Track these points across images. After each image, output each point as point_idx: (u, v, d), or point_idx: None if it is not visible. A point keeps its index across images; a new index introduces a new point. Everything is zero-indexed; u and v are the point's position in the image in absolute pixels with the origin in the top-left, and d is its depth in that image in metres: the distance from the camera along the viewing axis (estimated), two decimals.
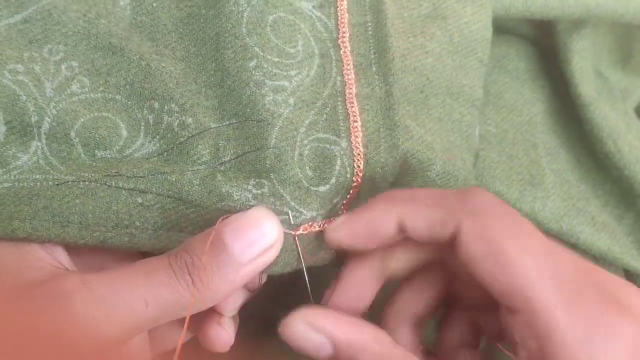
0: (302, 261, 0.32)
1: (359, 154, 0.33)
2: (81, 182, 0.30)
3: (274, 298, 0.39)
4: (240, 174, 0.31)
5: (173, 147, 0.32)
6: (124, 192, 0.30)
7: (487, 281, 0.28)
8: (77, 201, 0.30)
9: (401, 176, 0.35)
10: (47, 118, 0.30)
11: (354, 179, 0.33)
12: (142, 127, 0.32)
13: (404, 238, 0.30)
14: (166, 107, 0.32)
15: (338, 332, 0.29)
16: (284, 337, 0.29)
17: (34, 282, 0.27)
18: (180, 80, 0.32)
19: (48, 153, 0.30)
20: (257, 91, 0.32)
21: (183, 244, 0.29)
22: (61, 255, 0.30)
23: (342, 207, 0.33)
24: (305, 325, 0.29)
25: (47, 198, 0.29)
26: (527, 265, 0.27)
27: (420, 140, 0.34)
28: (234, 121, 0.32)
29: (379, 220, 0.30)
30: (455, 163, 0.36)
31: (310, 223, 0.32)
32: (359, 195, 0.33)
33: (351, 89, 0.34)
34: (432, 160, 0.34)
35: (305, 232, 0.32)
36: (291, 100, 0.33)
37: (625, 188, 0.43)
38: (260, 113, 0.32)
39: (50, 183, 0.30)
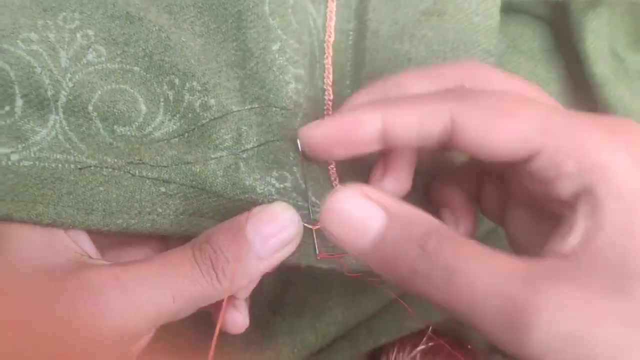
0: (316, 255, 0.32)
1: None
2: (104, 169, 0.30)
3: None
4: (263, 163, 0.31)
5: (194, 129, 0.31)
6: (147, 181, 0.30)
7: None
8: (101, 189, 0.30)
9: None
10: (63, 91, 0.30)
11: None
12: (162, 103, 0.31)
13: None
14: (187, 84, 0.31)
15: (394, 203, 0.26)
16: (330, 211, 0.26)
17: (61, 269, 0.27)
18: (202, 58, 0.32)
19: (67, 127, 0.30)
20: (281, 77, 0.32)
21: (205, 235, 0.29)
22: (85, 241, 0.30)
23: None
24: (360, 195, 0.25)
25: (71, 183, 0.29)
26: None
27: None
28: (257, 105, 0.32)
29: (360, 120, 0.28)
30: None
31: None
32: None
33: (329, 96, 0.34)
34: None
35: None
36: (307, 92, 0.33)
37: None
38: (283, 100, 0.32)
39: (72, 166, 0.30)
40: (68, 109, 0.30)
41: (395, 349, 0.43)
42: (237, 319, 0.33)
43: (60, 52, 0.30)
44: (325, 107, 0.34)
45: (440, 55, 0.37)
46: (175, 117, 0.31)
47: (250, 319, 0.41)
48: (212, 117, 0.31)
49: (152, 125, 0.31)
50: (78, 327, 0.26)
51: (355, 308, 0.39)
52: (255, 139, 0.31)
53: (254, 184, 0.31)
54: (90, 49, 0.31)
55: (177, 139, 0.31)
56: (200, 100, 0.31)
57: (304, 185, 0.31)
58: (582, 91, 0.44)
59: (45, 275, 0.27)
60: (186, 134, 0.31)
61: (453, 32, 0.37)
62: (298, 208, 0.31)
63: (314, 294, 0.40)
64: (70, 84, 0.30)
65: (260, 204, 0.30)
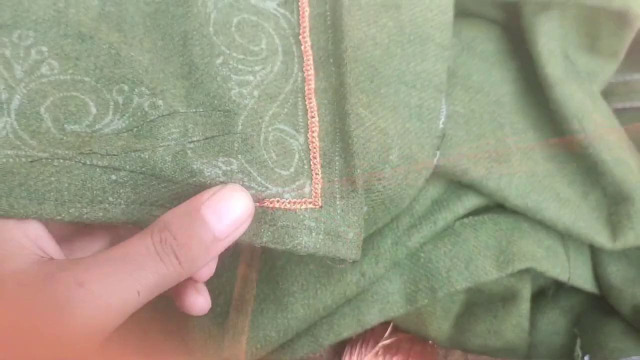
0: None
1: (314, 148, 0.35)
2: (55, 160, 0.31)
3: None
4: (210, 152, 0.32)
5: (143, 124, 0.32)
6: (98, 169, 0.31)
7: None
8: (53, 179, 0.30)
9: (364, 162, 0.36)
10: (17, 96, 0.31)
11: (312, 169, 0.34)
12: (112, 106, 0.33)
13: None
14: (136, 89, 0.32)
15: None
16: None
17: (20, 273, 0.28)
18: (149, 69, 0.33)
19: (17, 127, 0.31)
20: (224, 85, 0.34)
21: (163, 222, 0.30)
22: (44, 237, 0.31)
23: (312, 192, 0.34)
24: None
25: (22, 175, 0.30)
26: None
27: (374, 126, 0.36)
28: (201, 110, 0.33)
29: None
30: (412, 147, 0.37)
31: (277, 198, 0.33)
32: (328, 180, 0.35)
33: (310, 84, 0.36)
34: (389, 145, 0.36)
35: (271, 206, 0.33)
36: (255, 93, 0.34)
37: (590, 166, 0.44)
38: (226, 104, 0.33)
39: (24, 160, 0.30)
40: (20, 112, 0.31)
41: (359, 345, 0.44)
42: (199, 301, 0.33)
43: (15, 66, 0.31)
44: (306, 96, 0.35)
45: (399, 45, 0.38)
46: (124, 117, 0.33)
47: (213, 316, 0.42)
48: (160, 115, 0.32)
49: (102, 123, 0.32)
50: (48, 335, 0.26)
51: (316, 303, 0.40)
52: (201, 134, 0.33)
53: (201, 167, 0.32)
54: (44, 63, 0.32)
55: (126, 134, 0.32)
56: (149, 101, 0.32)
57: (249, 169, 0.33)
58: (536, 91, 0.46)
59: (13, 284, 0.28)
60: (135, 129, 0.32)
61: (410, 24, 0.39)
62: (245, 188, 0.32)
63: (275, 290, 0.40)
64: (24, 91, 0.31)
65: (208, 186, 0.31)
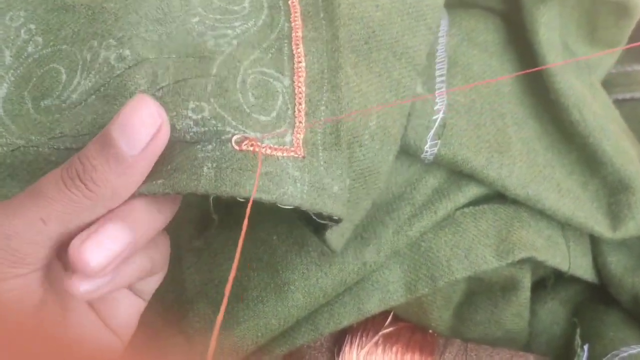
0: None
1: (300, 93, 0.33)
2: (31, 148, 0.31)
3: None
4: (179, 97, 0.31)
5: (110, 81, 0.32)
6: (72, 152, 0.31)
7: None
8: (34, 166, 0.31)
9: (345, 124, 0.35)
10: (5, 84, 0.31)
11: (296, 115, 0.33)
12: (80, 67, 0.32)
13: None
14: (104, 43, 0.32)
15: None
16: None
17: None
18: (120, 13, 0.32)
19: (3, 115, 0.31)
20: (199, 39, 0.33)
21: (75, 154, 0.29)
22: None
23: (294, 140, 0.32)
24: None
25: (8, 166, 0.31)
26: None
27: (357, 88, 0.35)
28: (174, 56, 0.32)
29: None
30: (387, 119, 0.37)
31: (256, 141, 0.31)
32: (311, 130, 0.33)
33: (297, 32, 0.35)
34: (369, 111, 0.35)
35: (250, 149, 0.31)
36: (234, 42, 0.33)
37: (589, 156, 0.44)
38: (202, 52, 0.33)
39: (6, 149, 0.31)
40: (7, 100, 0.32)
41: (359, 333, 0.44)
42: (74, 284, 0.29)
43: (5, 52, 0.32)
44: (293, 42, 0.35)
45: (399, 14, 0.38)
46: (90, 75, 0.32)
47: (213, 305, 0.42)
48: (127, 67, 0.32)
49: (70, 89, 0.32)
50: None
51: (317, 291, 0.40)
52: (171, 78, 0.32)
53: (172, 122, 0.30)
54: (31, 42, 0.32)
55: (93, 96, 0.32)
56: (115, 54, 0.32)
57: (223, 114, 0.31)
58: (536, 81, 0.46)
59: None
60: (102, 87, 0.32)
61: None
62: (218, 133, 0.31)
63: (275, 278, 0.40)
64: (12, 78, 0.32)
65: (180, 140, 0.30)
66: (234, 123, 0.31)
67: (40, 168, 0.31)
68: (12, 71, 0.32)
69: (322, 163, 0.33)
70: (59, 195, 0.28)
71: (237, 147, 0.30)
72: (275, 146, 0.31)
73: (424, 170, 0.43)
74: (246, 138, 0.31)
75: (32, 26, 0.33)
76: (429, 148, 0.40)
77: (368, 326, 0.45)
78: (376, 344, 0.44)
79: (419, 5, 0.39)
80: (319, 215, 0.32)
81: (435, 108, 0.41)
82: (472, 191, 0.43)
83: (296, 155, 0.32)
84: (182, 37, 0.33)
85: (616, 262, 0.44)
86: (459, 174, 0.43)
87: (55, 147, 0.31)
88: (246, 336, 0.40)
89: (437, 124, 0.41)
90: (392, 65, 0.38)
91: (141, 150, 0.28)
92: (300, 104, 0.33)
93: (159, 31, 0.33)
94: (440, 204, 0.42)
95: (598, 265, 0.45)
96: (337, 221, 0.33)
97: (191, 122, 0.31)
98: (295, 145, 0.32)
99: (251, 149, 0.30)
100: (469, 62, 0.45)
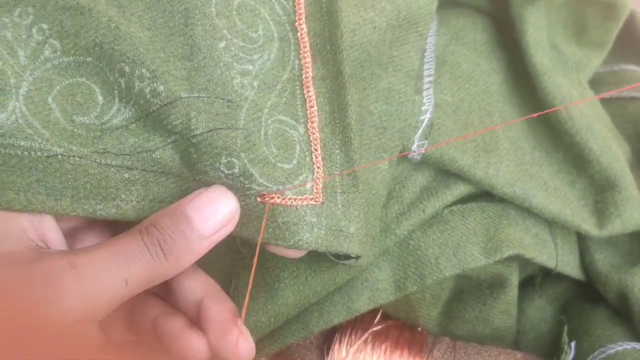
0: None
1: (315, 140, 0.35)
2: (71, 158, 0.31)
3: None
4: (212, 149, 0.32)
5: (147, 115, 0.33)
6: (112, 168, 0.32)
7: None
8: (69, 176, 0.31)
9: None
10: (25, 82, 0.31)
11: (314, 161, 0.35)
12: (116, 92, 0.33)
13: None
14: (137, 71, 0.32)
15: None
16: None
17: (20, 258, 0.29)
18: (150, 47, 0.33)
19: (27, 113, 0.31)
20: (227, 72, 0.33)
21: (150, 219, 0.31)
22: (50, 228, 0.32)
23: (314, 188, 0.34)
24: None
25: (39, 171, 0.31)
26: None
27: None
28: (204, 95, 0.33)
29: None
30: (369, 129, 0.39)
31: (277, 195, 0.33)
32: (329, 173, 0.35)
33: (307, 72, 0.35)
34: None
35: (272, 201, 0.33)
36: (255, 84, 0.34)
37: (577, 154, 0.44)
38: (229, 94, 0.33)
39: (39, 154, 0.31)
40: (28, 98, 0.31)
41: (348, 331, 0.45)
42: (244, 345, 0.33)
43: (19, 52, 0.31)
44: (304, 85, 0.35)
45: (392, 29, 0.39)
46: (129, 104, 0.33)
47: None
48: (162, 104, 0.32)
49: (110, 114, 0.33)
50: (39, 313, 0.27)
51: (306, 290, 0.40)
52: (203, 125, 0.32)
53: (205, 169, 0.32)
54: (46, 44, 0.32)
55: (134, 125, 0.33)
56: (149, 87, 0.32)
57: (251, 170, 0.33)
58: (524, 81, 0.46)
59: (4, 263, 0.28)
60: (141, 119, 0.33)
61: (405, 9, 0.39)
62: (246, 190, 0.33)
63: (265, 276, 0.40)
64: (31, 79, 0.31)
65: (211, 184, 0.33)
66: (260, 180, 0.33)
67: (76, 179, 0.31)
68: (28, 71, 0.31)
69: (339, 207, 0.35)
70: (143, 258, 0.30)
71: (259, 199, 0.33)
72: (296, 196, 0.34)
73: (412, 168, 0.43)
74: (267, 194, 0.33)
75: (45, 26, 0.32)
76: (417, 148, 0.41)
77: (357, 324, 0.45)
78: (365, 341, 0.44)
79: (411, 15, 0.39)
80: (336, 254, 0.36)
81: (422, 108, 0.41)
82: (460, 189, 0.43)
83: (315, 203, 0.34)
84: (211, 70, 0.33)
85: (602, 260, 0.45)
86: (446, 172, 0.43)
87: (97, 161, 0.32)
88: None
89: (424, 124, 0.41)
90: (378, 77, 0.38)
91: (212, 234, 0.32)
92: (316, 149, 0.35)
93: (187, 67, 0.33)
94: (428, 202, 0.42)
95: (585, 262, 0.46)
96: (355, 258, 0.36)
97: (222, 175, 0.33)
98: (315, 192, 0.34)
99: (272, 201, 0.33)
100: (458, 61, 0.46)
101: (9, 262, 0.29)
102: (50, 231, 0.32)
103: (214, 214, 0.32)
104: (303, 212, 0.33)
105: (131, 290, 0.30)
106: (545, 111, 0.40)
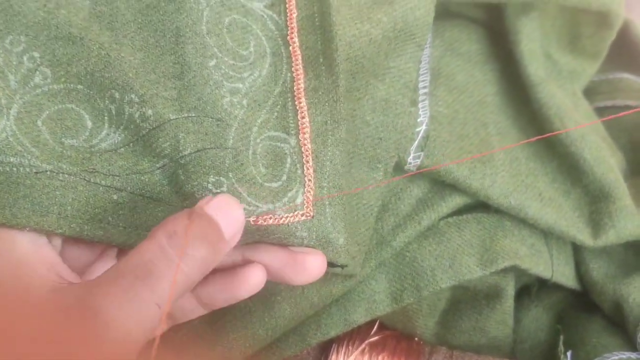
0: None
1: (307, 151, 0.35)
2: (60, 174, 0.31)
3: None
4: (200, 169, 0.33)
5: (137, 139, 0.33)
6: (101, 188, 0.32)
7: None
8: (58, 192, 0.31)
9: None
10: (15, 104, 0.31)
11: (305, 174, 0.35)
12: (106, 117, 0.33)
13: None
14: (126, 97, 0.33)
15: None
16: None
17: (40, 304, 0.27)
18: (140, 70, 0.33)
19: (17, 132, 0.31)
20: (217, 91, 0.34)
21: (168, 224, 0.28)
22: (59, 265, 0.31)
23: (305, 202, 0.34)
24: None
25: (27, 187, 0.31)
26: None
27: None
28: (193, 115, 0.33)
29: None
30: (365, 140, 0.39)
31: (269, 215, 0.33)
32: (319, 186, 0.35)
33: (299, 84, 0.36)
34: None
35: (265, 224, 0.33)
36: (244, 102, 0.34)
37: (571, 164, 0.44)
38: (218, 112, 0.33)
39: (28, 170, 0.31)
40: (19, 119, 0.31)
41: (345, 343, 0.45)
42: (254, 273, 0.34)
43: (9, 76, 0.32)
44: (295, 96, 0.35)
45: (388, 41, 0.39)
46: (119, 129, 0.33)
47: (201, 316, 0.42)
48: (151, 127, 0.33)
49: (99, 137, 0.33)
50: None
51: (303, 302, 0.40)
52: (192, 145, 0.33)
53: (192, 190, 0.33)
54: (37, 72, 0.32)
55: (123, 149, 0.33)
56: (138, 112, 0.33)
57: (239, 190, 0.33)
58: (518, 91, 0.46)
59: (32, 315, 0.26)
60: (131, 144, 0.33)
61: (401, 21, 0.39)
62: None
63: (262, 289, 0.41)
64: (21, 102, 0.32)
65: None
66: (249, 199, 0.33)
67: (64, 196, 0.31)
68: (19, 95, 0.31)
69: (329, 219, 0.35)
70: (170, 271, 0.27)
71: (252, 222, 0.33)
72: (287, 214, 0.34)
73: (408, 180, 0.43)
74: (259, 214, 0.33)
75: (36, 54, 0.32)
76: (412, 160, 0.41)
77: (354, 335, 0.45)
78: (362, 352, 0.44)
79: (408, 27, 0.39)
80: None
81: (418, 120, 0.41)
82: (456, 201, 0.43)
83: (306, 218, 0.34)
84: (201, 88, 0.33)
85: (597, 269, 0.45)
86: (442, 183, 0.43)
87: (86, 179, 0.32)
88: (234, 347, 0.40)
89: (420, 136, 0.41)
90: (374, 87, 0.39)
91: (231, 237, 0.30)
92: (307, 161, 0.35)
93: (177, 86, 0.34)
94: (424, 214, 0.43)
95: (580, 272, 0.46)
96: (340, 266, 0.36)
97: (210, 194, 0.32)
98: (306, 206, 0.34)
99: (265, 223, 0.33)
100: (453, 72, 0.46)
101: (38, 315, 0.26)
102: (63, 272, 0.30)
103: (232, 215, 0.31)
104: (294, 228, 0.34)
105: (165, 310, 0.26)
106: (551, 134, 0.40)
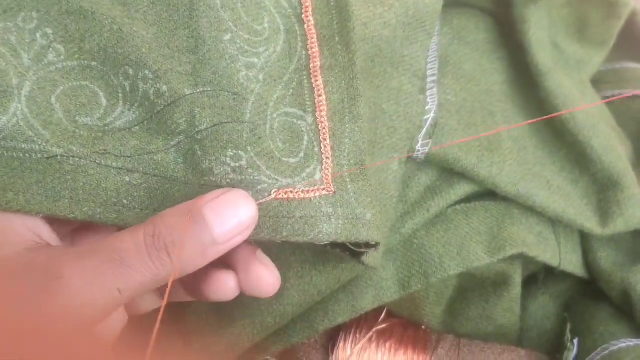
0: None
1: (324, 129, 0.34)
2: (71, 158, 0.31)
3: None
4: (218, 143, 0.32)
5: (152, 117, 0.33)
6: (112, 170, 0.32)
7: None
8: (69, 177, 0.31)
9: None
10: (28, 82, 0.31)
11: (323, 151, 0.34)
12: (120, 95, 0.33)
13: None
14: (140, 73, 0.32)
15: None
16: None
17: (10, 260, 0.28)
18: (153, 45, 0.33)
19: (28, 114, 0.31)
20: (232, 65, 0.33)
21: (158, 217, 0.29)
22: (43, 230, 0.31)
23: (324, 179, 0.34)
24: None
25: (40, 172, 0.31)
26: None
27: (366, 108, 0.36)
28: (209, 89, 0.33)
29: None
30: (381, 129, 0.38)
31: (290, 189, 0.33)
32: (337, 164, 0.34)
33: (315, 62, 0.35)
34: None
35: (285, 197, 0.32)
36: (261, 77, 0.34)
37: (579, 153, 0.44)
38: (235, 86, 0.33)
39: (39, 155, 0.31)
40: (31, 98, 0.31)
41: (353, 330, 0.45)
42: (267, 276, 0.33)
43: (22, 54, 0.31)
44: (312, 74, 0.35)
45: (402, 27, 0.39)
46: (134, 107, 0.33)
47: (210, 304, 0.42)
48: (166, 104, 0.32)
49: (113, 116, 0.32)
50: (27, 324, 0.26)
51: (311, 289, 0.40)
52: (208, 120, 0.32)
53: (210, 166, 0.32)
54: (50, 49, 0.32)
55: (137, 127, 0.33)
56: (153, 88, 0.32)
57: (258, 163, 0.32)
58: (526, 80, 0.46)
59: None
60: (145, 121, 0.33)
61: (413, 7, 0.39)
62: (254, 183, 0.32)
63: None
64: (34, 78, 0.31)
65: (218, 186, 0.31)
66: (268, 172, 0.33)
67: (75, 180, 0.31)
68: (32, 72, 0.31)
69: (352, 195, 0.34)
70: (141, 266, 0.27)
71: (274, 197, 0.32)
72: (307, 189, 0.33)
73: (416, 168, 0.43)
74: (280, 187, 0.32)
75: (49, 30, 0.32)
76: (421, 147, 0.41)
77: (362, 322, 0.45)
78: (370, 340, 0.44)
79: (419, 14, 0.39)
80: (356, 244, 0.34)
81: (426, 108, 0.42)
82: (464, 189, 0.43)
83: (327, 193, 0.33)
84: (216, 62, 0.33)
85: (605, 258, 0.45)
86: (450, 172, 0.43)
87: (97, 162, 0.31)
88: (242, 334, 0.40)
89: (428, 123, 0.41)
90: (391, 75, 0.39)
91: (226, 241, 0.29)
92: (325, 139, 0.34)
93: (192, 61, 0.33)
94: (432, 201, 0.43)
95: (588, 260, 0.46)
96: (374, 246, 0.35)
97: (229, 169, 0.32)
98: (326, 182, 0.34)
99: (286, 196, 0.32)
100: (460, 60, 0.46)
101: (5, 271, 0.28)
102: (46, 235, 0.31)
103: (233, 218, 0.29)
104: (318, 204, 0.33)
105: (125, 298, 0.28)
106: (551, 115, 0.40)
